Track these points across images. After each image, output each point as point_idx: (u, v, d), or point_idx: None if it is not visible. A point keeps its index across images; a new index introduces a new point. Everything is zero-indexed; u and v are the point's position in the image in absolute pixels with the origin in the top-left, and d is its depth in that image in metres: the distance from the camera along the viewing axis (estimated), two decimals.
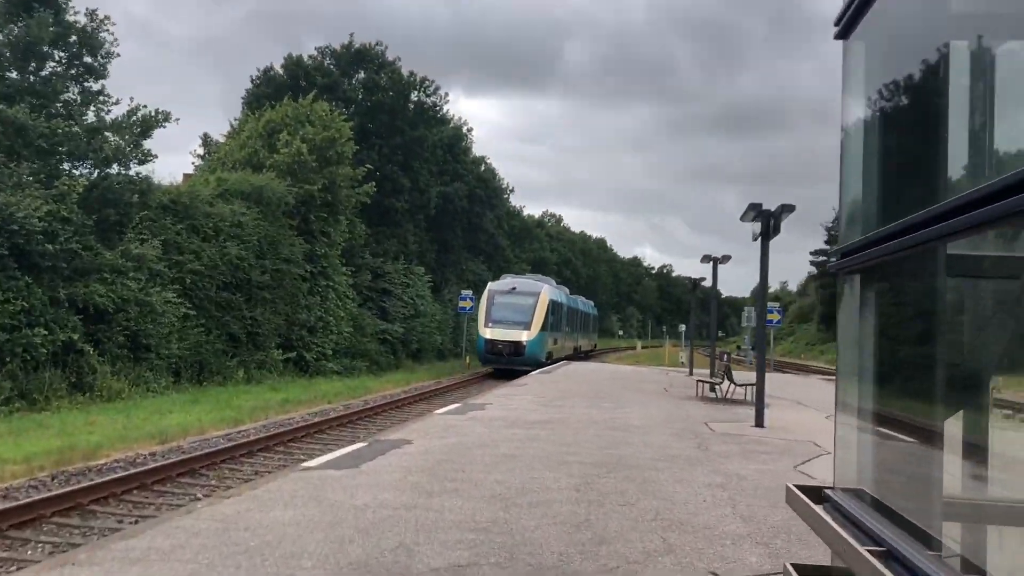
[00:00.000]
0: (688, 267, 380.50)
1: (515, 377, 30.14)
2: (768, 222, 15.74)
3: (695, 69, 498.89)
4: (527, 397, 20.39)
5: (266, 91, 53.23)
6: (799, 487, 3.28)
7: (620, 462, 11.06)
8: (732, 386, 21.67)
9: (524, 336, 36.01)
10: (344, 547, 6.51)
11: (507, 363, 35.59)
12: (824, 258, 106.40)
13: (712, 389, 23.26)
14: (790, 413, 19.17)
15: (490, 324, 36.45)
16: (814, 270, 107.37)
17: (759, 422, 15.93)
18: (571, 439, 13.07)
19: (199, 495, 10.70)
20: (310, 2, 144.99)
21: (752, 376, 26.64)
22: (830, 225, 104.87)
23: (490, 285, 39.79)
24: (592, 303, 69.62)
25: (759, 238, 16.22)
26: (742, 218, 16.55)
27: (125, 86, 57.09)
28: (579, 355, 52.61)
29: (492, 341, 35.99)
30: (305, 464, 10.40)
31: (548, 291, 39.62)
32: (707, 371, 35.64)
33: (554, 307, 40.40)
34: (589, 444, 12.61)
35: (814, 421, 17.80)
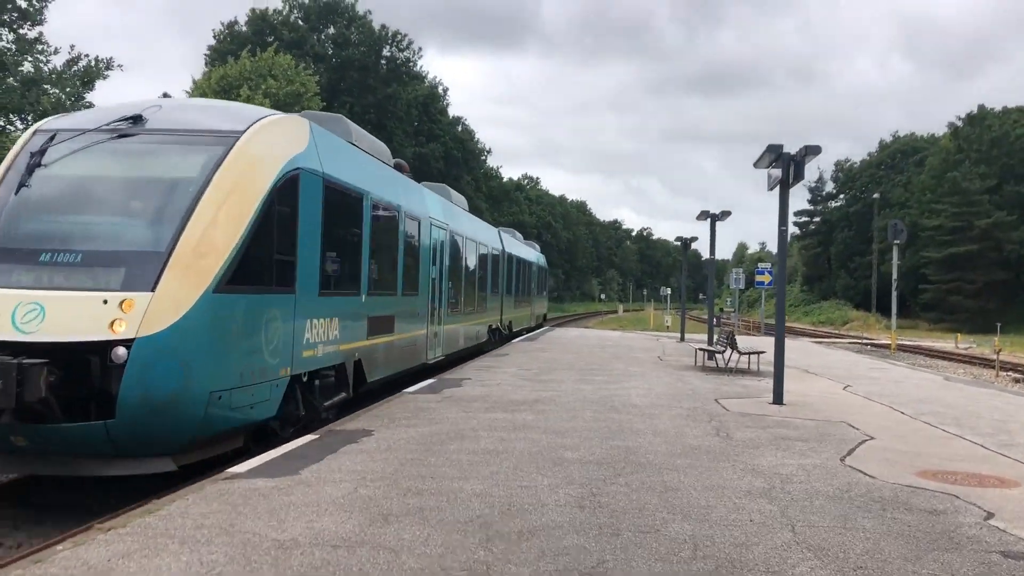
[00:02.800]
0: (667, 230, 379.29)
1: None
2: (789, 167, 13.54)
3: (674, 26, 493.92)
4: (509, 370, 18.22)
5: (230, 47, 50.22)
6: None
7: (629, 459, 8.91)
8: (736, 355, 19.60)
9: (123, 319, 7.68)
10: None
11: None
12: (807, 219, 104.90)
13: (711, 357, 21.21)
14: (803, 384, 17.13)
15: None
16: (797, 231, 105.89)
17: (778, 399, 13.85)
18: (565, 426, 10.91)
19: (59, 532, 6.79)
20: None
21: (754, 343, 24.71)
22: (813, 185, 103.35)
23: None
24: (537, 247, 44.28)
25: (776, 186, 14.03)
26: (756, 164, 14.33)
27: (85, 48, 53.74)
28: (504, 337, 29.20)
29: None
30: (231, 469, 8.15)
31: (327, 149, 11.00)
32: (700, 336, 33.75)
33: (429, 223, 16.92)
34: (588, 432, 10.45)
35: (833, 394, 15.76)
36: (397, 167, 16.43)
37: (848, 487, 7.93)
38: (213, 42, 50.87)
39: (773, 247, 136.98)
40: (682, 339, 33.04)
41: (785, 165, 13.49)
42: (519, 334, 33.11)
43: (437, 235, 17.94)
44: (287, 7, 53.95)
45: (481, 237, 24.60)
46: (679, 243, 32.64)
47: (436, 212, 18.19)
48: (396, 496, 7.05)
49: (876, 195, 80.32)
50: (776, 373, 13.98)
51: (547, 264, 47.66)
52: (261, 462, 8.45)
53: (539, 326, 41.03)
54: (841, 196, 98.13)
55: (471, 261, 22.95)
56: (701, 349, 21.45)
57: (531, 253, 38.35)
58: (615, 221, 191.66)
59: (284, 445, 9.51)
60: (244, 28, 51.02)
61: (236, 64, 35.89)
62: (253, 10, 51.74)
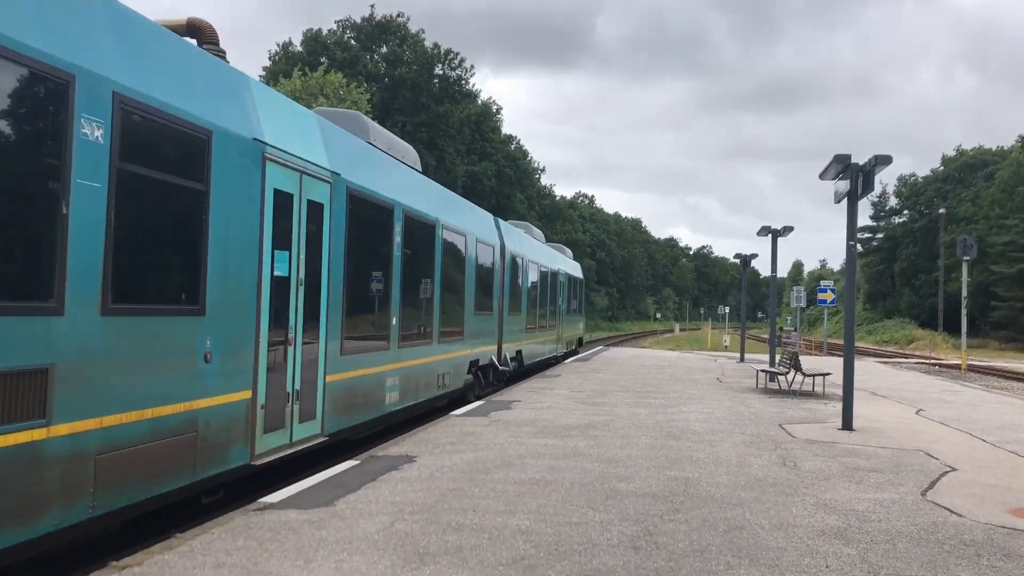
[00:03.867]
0: (724, 247, 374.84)
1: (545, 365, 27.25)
2: (857, 179, 12.75)
3: (730, 42, 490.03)
4: (561, 392, 17.60)
5: (285, 68, 50.71)
6: None
7: (689, 491, 8.24)
8: (800, 376, 18.70)
9: None
10: None
11: None
12: (870, 235, 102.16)
13: (773, 379, 20.31)
14: (872, 408, 16.18)
15: None
16: (859, 247, 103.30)
17: (847, 424, 13.00)
18: (619, 453, 10.27)
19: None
20: None
21: (818, 363, 23.74)
22: (876, 200, 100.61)
23: None
24: (569, 252, 35.62)
25: (844, 199, 13.24)
26: (822, 176, 13.57)
27: None
28: (522, 372, 22.48)
29: None
30: (265, 499, 7.70)
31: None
32: (760, 356, 32.71)
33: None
34: (643, 461, 9.79)
35: (906, 419, 14.81)
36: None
37: (933, 527, 7.15)
38: (268, 63, 51.48)
39: (833, 264, 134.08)
40: (742, 359, 32.03)
41: (853, 176, 12.71)
42: (535, 369, 24.53)
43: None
44: (340, 27, 54.43)
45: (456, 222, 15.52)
46: (738, 260, 31.68)
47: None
48: (435, 532, 6.50)
49: (942, 210, 77.85)
50: (845, 396, 13.14)
51: (582, 275, 37.05)
52: (297, 490, 8.00)
53: (571, 353, 32.70)
54: (905, 212, 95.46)
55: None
56: (763, 370, 20.57)
57: (553, 257, 28.30)
58: (671, 239, 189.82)
59: (324, 471, 9.05)
60: (299, 48, 51.58)
61: (288, 83, 36.09)
62: (307, 31, 52.30)
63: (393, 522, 6.78)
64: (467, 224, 16.39)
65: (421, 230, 13.16)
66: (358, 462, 9.50)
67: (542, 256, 25.77)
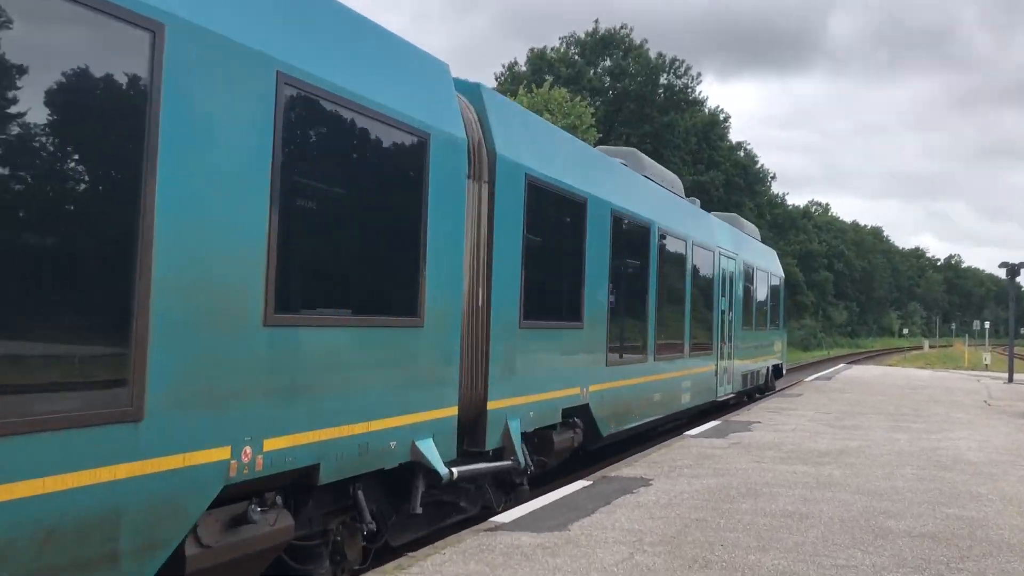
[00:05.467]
0: (978, 257, 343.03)
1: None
2: None
3: (983, 32, 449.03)
4: (805, 413, 16.26)
5: (510, 87, 51.93)
6: None
7: (976, 535, 7.02)
8: None
9: None
10: None
11: None
12: None
13: None
14: None
15: None
16: None
17: None
18: (882, 485, 9.09)
19: None
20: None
21: None
22: None
23: None
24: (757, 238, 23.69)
25: None
26: None
27: None
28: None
29: None
30: (496, 518, 7.39)
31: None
32: None
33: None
34: (912, 495, 8.58)
35: None
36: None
37: None
38: (495, 83, 52.97)
39: None
40: (1010, 380, 28.55)
41: None
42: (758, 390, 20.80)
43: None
44: (564, 44, 55.01)
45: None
46: (1003, 269, 28.33)
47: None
48: (680, 568, 5.87)
49: None
50: None
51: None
52: (528, 511, 7.64)
53: (765, 388, 22.11)
54: None
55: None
56: None
57: (749, 245, 20.49)
58: (916, 249, 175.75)
59: (554, 491, 8.67)
60: (523, 68, 52.64)
61: (515, 100, 36.77)
62: (532, 50, 53.29)
63: (632, 553, 6.21)
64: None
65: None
66: (590, 483, 9.03)
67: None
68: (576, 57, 54.02)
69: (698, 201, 17.52)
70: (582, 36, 55.09)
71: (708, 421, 14.78)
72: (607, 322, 10.69)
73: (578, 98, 38.57)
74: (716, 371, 16.44)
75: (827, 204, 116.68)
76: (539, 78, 49.94)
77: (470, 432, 7.80)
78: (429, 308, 6.59)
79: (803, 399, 19.28)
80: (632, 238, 11.88)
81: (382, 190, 6.28)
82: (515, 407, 8.30)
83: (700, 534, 6.82)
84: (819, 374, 30.43)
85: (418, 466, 6.65)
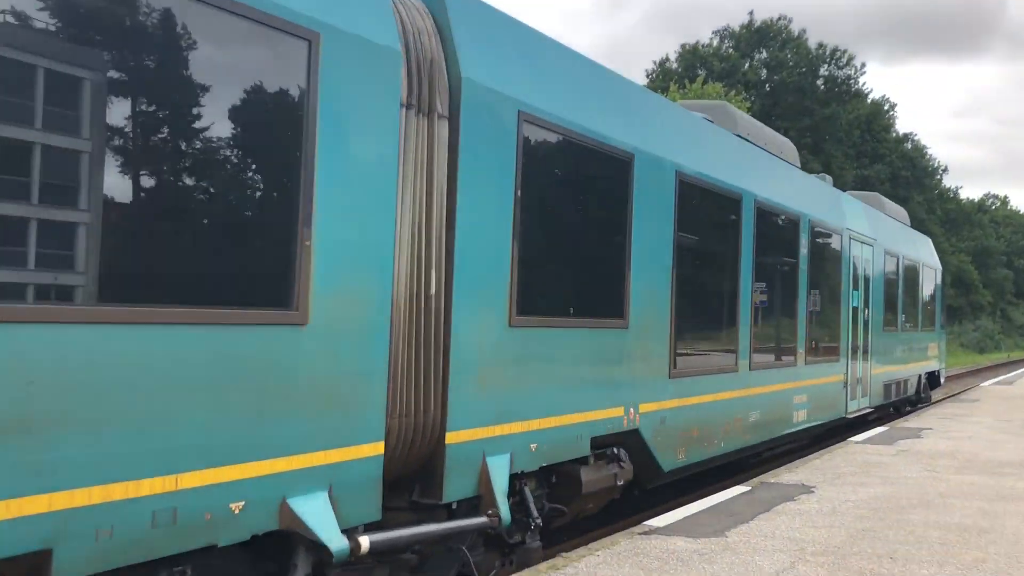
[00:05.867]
0: None
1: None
2: None
3: None
4: (983, 420, 15.20)
5: (662, 84, 51.32)
6: None
7: None
8: None
9: None
10: None
11: None
12: None
13: None
14: None
15: None
16: None
17: None
18: None
19: None
20: None
21: None
22: None
23: None
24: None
25: None
26: None
27: None
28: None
29: None
30: (650, 521, 7.31)
31: None
32: None
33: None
34: None
35: None
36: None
37: None
38: (646, 81, 52.41)
39: None
40: None
41: None
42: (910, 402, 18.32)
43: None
44: (718, 37, 53.78)
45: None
46: None
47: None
48: None
49: None
50: None
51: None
52: (684, 515, 7.52)
53: (917, 399, 18.85)
54: None
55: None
56: None
57: (892, 230, 17.35)
58: None
59: (711, 496, 8.49)
60: (675, 65, 51.86)
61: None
62: (683, 45, 52.41)
63: (794, 562, 5.99)
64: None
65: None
66: (748, 488, 8.79)
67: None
68: (730, 51, 52.68)
69: (830, 178, 15.29)
70: (736, 29, 53.70)
71: (875, 427, 14.07)
72: (670, 319, 8.21)
73: (732, 92, 37.63)
74: (847, 381, 13.53)
75: (1005, 197, 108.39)
76: (692, 74, 49.10)
77: (423, 477, 5.54)
78: (316, 296, 4.43)
79: (980, 405, 18.02)
80: (713, 210, 9.36)
81: None
82: (500, 438, 5.92)
83: (867, 545, 6.50)
84: (999, 378, 28.36)
85: (296, 537, 4.45)
